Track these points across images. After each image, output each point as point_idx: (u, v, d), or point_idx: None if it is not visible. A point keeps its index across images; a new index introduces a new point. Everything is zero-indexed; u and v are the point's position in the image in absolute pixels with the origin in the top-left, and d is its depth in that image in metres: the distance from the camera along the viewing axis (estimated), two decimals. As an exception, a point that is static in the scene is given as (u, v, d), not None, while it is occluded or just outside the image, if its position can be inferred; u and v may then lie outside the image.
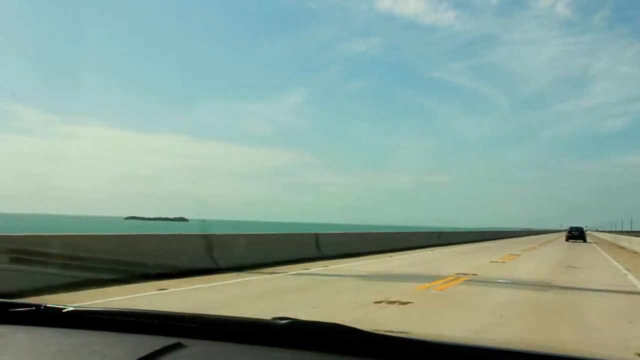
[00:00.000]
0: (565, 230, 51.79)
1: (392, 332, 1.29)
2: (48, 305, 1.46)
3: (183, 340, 1.25)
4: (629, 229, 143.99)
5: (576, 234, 45.03)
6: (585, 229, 50.58)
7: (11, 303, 1.48)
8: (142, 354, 1.16)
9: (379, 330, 1.31)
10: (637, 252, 25.84)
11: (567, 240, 43.90)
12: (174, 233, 13.04)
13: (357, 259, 16.21)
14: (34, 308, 1.44)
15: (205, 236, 12.28)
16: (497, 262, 16.75)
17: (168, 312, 1.43)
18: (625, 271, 14.85)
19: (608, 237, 55.00)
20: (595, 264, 17.54)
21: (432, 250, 22.87)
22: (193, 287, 9.09)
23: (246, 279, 10.54)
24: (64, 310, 1.42)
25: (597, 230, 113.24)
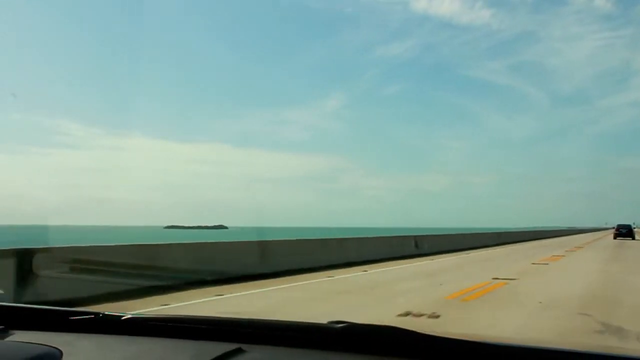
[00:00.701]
0: (612, 228, 50.63)
1: (449, 333, 1.27)
2: (107, 313, 1.50)
3: (242, 346, 1.27)
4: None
5: (624, 232, 44.50)
6: (632, 226, 49.48)
7: (71, 311, 1.52)
8: (204, 359, 1.17)
9: (435, 332, 1.29)
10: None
11: (615, 238, 43.62)
12: (231, 241, 13.83)
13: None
14: (93, 316, 1.48)
15: (259, 243, 13.37)
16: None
17: (224, 317, 1.45)
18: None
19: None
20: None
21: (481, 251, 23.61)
22: (251, 291, 9.59)
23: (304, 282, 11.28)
24: (122, 318, 1.46)
25: None
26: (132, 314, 1.48)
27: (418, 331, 1.24)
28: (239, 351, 1.24)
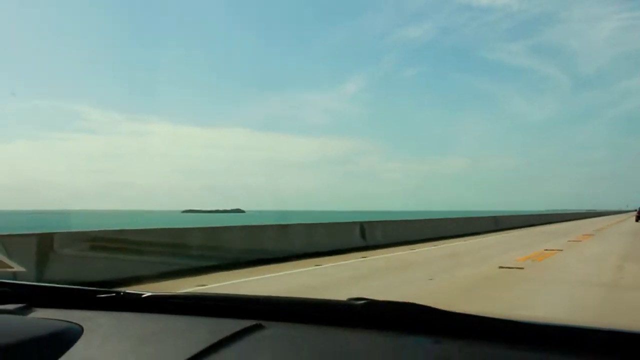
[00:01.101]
0: (633, 210, 50.41)
1: (468, 310, 1.26)
2: (127, 291, 1.52)
3: (261, 322, 1.27)
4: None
5: None
6: None
7: (91, 290, 1.55)
8: (224, 335, 1.18)
9: (454, 309, 1.28)
10: None
11: (637, 220, 44.27)
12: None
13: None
14: (114, 294, 1.50)
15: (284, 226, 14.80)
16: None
17: (243, 295, 1.45)
18: None
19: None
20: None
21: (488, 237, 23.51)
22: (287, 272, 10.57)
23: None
24: (143, 296, 1.48)
25: None
26: (152, 293, 1.50)
27: (438, 307, 1.24)
28: (258, 327, 1.24)
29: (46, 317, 1.32)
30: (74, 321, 1.27)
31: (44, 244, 7.86)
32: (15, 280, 1.60)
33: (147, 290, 1.52)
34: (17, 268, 1.39)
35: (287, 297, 1.43)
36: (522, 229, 31.89)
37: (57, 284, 1.60)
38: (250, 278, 9.40)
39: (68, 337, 1.19)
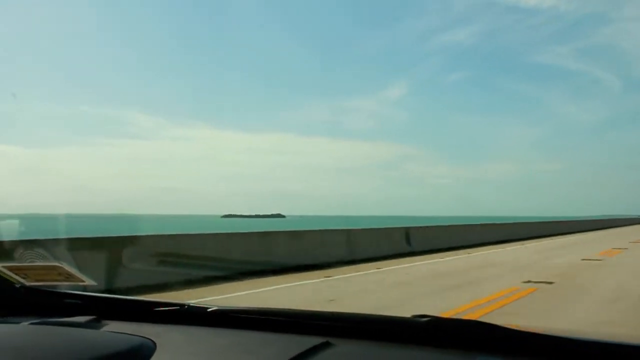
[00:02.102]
0: None
1: (536, 328, 1.25)
2: (192, 304, 1.56)
3: (329, 340, 1.29)
4: None
5: None
6: None
7: (157, 302, 1.60)
8: (294, 353, 1.20)
9: (520, 327, 1.27)
10: None
11: None
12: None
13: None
14: (178, 307, 1.55)
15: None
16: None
17: (308, 310, 1.48)
18: None
19: None
20: None
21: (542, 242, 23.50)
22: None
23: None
24: (208, 310, 1.52)
25: None
26: (217, 307, 1.54)
27: (504, 326, 1.23)
28: (326, 345, 1.26)
29: (117, 331, 1.38)
30: (146, 336, 1.32)
31: (109, 249, 8.35)
32: (86, 292, 1.67)
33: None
34: (88, 282, 1.44)
35: (352, 314, 1.44)
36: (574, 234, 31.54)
37: (121, 291, 1.66)
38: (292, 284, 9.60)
39: (143, 352, 1.23)
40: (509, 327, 1.23)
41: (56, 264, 1.61)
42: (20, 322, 1.44)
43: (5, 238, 2.81)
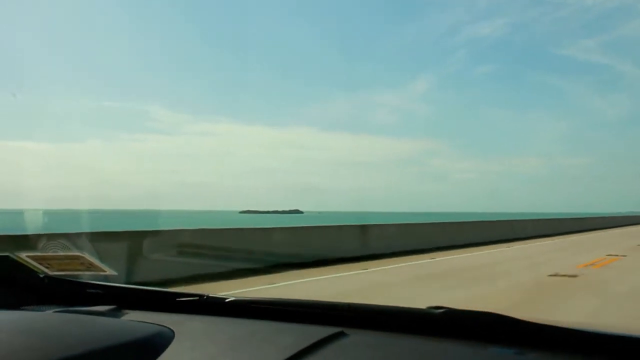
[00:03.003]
0: None
1: (550, 320, 1.27)
2: (211, 295, 1.62)
3: (344, 330, 1.32)
4: None
5: None
6: None
7: (177, 293, 1.66)
8: (309, 342, 1.23)
9: (536, 319, 1.29)
10: None
11: None
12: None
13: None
14: (197, 298, 1.61)
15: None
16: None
17: (324, 301, 1.51)
18: None
19: None
20: None
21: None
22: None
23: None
24: (226, 300, 1.57)
25: None
26: (235, 297, 1.59)
27: (518, 318, 1.25)
28: (341, 334, 1.29)
29: (137, 320, 1.44)
30: (165, 324, 1.37)
31: (134, 243, 8.58)
32: (107, 282, 1.74)
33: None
34: (109, 272, 1.49)
35: (367, 305, 1.47)
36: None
37: (143, 282, 1.73)
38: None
39: (161, 340, 1.28)
40: (522, 319, 1.25)
41: (78, 253, 1.68)
42: (43, 311, 1.51)
43: (31, 231, 2.92)
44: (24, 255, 1.64)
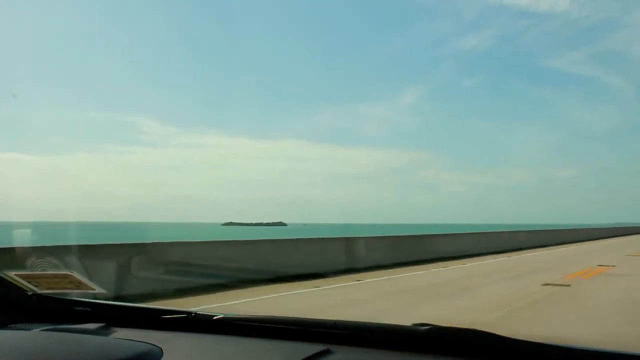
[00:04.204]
0: None
1: (533, 337, 1.33)
2: (198, 312, 1.66)
3: (330, 347, 1.37)
4: None
5: None
6: None
7: (164, 310, 1.70)
8: (296, 359, 1.29)
9: (521, 335, 1.35)
10: None
11: None
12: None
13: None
14: (185, 315, 1.66)
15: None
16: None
17: (310, 318, 1.56)
18: None
19: None
20: None
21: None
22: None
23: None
24: (214, 318, 1.61)
25: None
26: (223, 315, 1.63)
27: (502, 334, 1.31)
28: (327, 352, 1.34)
29: (126, 338, 1.47)
30: (153, 342, 1.40)
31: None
32: (96, 300, 1.78)
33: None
34: (97, 289, 1.51)
35: (354, 322, 1.51)
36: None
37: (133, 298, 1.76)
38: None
39: (150, 358, 1.31)
40: (508, 336, 1.30)
41: (67, 272, 1.72)
42: (31, 329, 1.53)
43: (18, 244, 2.93)
44: (12, 274, 1.67)
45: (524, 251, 21.90)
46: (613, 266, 14.95)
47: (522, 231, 29.98)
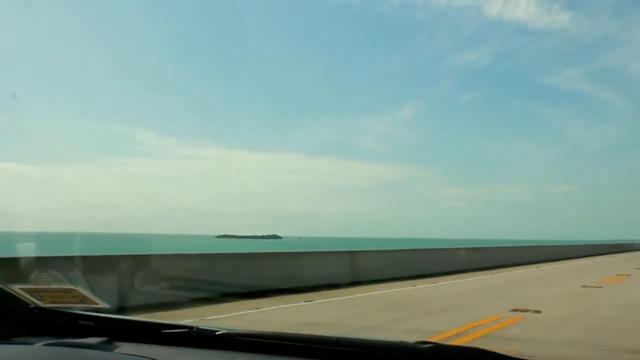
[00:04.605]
0: None
1: (535, 355, 1.35)
2: (200, 327, 1.67)
3: None
4: None
5: None
6: None
7: (167, 324, 1.71)
8: None
9: (523, 355, 1.37)
10: None
11: None
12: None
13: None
14: (187, 330, 1.67)
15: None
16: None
17: (313, 335, 1.57)
18: None
19: None
20: None
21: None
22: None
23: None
24: (216, 333, 1.62)
25: None
26: (225, 329, 1.65)
27: (505, 354, 1.33)
28: None
29: (128, 353, 1.49)
30: (156, 358, 1.41)
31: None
32: (99, 314, 1.79)
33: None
34: (101, 304, 1.52)
35: (355, 338, 1.52)
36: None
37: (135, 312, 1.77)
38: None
39: None
40: (507, 354, 1.33)
41: (71, 286, 1.73)
42: (34, 343, 1.54)
43: (19, 255, 2.94)
44: (15, 287, 1.68)
45: (531, 265, 22.92)
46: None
47: (525, 246, 30.36)
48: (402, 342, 1.48)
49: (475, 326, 7.63)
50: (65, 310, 1.74)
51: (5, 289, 1.67)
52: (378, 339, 1.53)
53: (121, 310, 7.93)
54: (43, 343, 1.54)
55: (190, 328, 1.66)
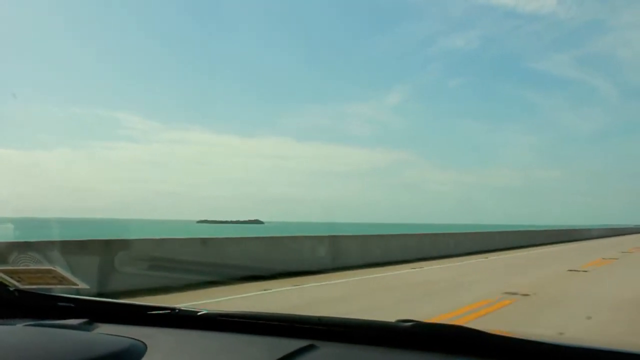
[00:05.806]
0: None
1: (515, 333, 1.39)
2: (182, 308, 1.69)
3: (314, 342, 1.41)
4: None
5: None
6: None
7: (149, 306, 1.74)
8: (279, 355, 1.31)
9: (502, 332, 1.41)
10: None
11: None
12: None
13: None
14: (169, 311, 1.70)
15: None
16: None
17: (295, 315, 1.60)
18: None
19: None
20: None
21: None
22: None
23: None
24: (198, 314, 1.64)
25: None
26: (207, 310, 1.67)
27: (485, 330, 1.38)
28: (311, 347, 1.38)
29: (109, 333, 1.49)
30: (137, 338, 1.43)
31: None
32: (79, 295, 1.81)
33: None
34: (81, 285, 1.52)
35: (337, 318, 1.55)
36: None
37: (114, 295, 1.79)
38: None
39: (133, 354, 1.33)
40: (489, 332, 1.35)
41: (50, 267, 1.74)
42: (15, 324, 1.55)
43: (1, 239, 2.93)
44: None
45: (517, 250, 23.68)
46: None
47: (512, 231, 31.48)
48: (383, 321, 1.52)
49: (466, 311, 7.78)
50: (45, 293, 1.76)
51: None
52: (360, 318, 1.57)
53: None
54: (24, 324, 1.55)
55: (172, 309, 1.68)
